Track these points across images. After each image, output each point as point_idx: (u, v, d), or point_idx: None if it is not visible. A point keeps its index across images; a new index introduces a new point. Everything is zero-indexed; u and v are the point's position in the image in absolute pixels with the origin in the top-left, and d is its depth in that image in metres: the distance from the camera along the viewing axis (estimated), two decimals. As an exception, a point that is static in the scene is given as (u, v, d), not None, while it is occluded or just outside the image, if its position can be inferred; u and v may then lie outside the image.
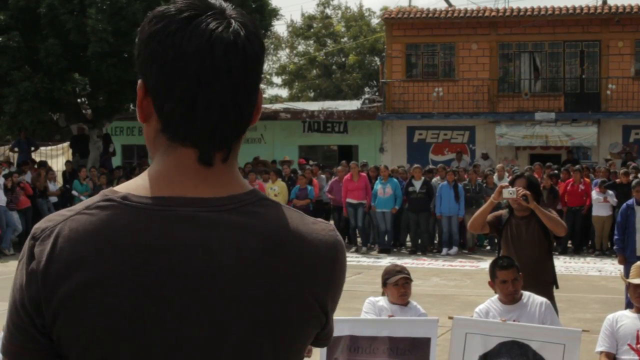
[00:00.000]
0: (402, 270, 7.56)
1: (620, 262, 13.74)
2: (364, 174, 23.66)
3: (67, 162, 29.33)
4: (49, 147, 35.73)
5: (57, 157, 34.30)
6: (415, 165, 24.05)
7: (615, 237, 13.88)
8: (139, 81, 1.97)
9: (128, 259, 1.84)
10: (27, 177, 25.55)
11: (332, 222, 25.14)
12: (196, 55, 1.89)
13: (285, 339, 1.94)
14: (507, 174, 24.42)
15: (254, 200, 1.96)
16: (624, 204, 14.04)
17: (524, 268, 7.88)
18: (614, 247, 15.08)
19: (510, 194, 8.36)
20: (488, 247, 23.56)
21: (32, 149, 31.30)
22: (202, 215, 1.88)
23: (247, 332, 1.88)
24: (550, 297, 8.25)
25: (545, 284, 8.51)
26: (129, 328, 1.83)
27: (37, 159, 30.23)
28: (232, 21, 1.94)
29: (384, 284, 7.54)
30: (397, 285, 7.41)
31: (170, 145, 1.95)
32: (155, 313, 1.83)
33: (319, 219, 2.07)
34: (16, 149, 31.01)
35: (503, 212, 8.87)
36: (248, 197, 1.96)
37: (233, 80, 1.91)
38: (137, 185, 1.95)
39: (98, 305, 1.82)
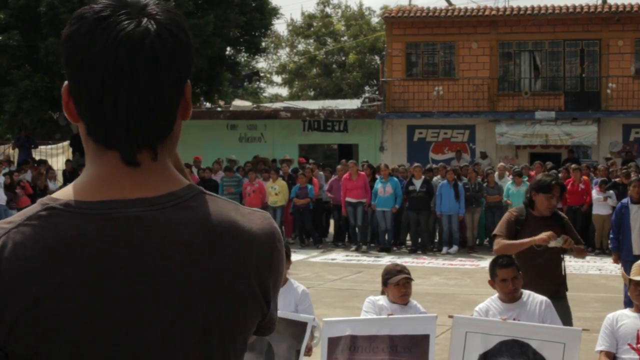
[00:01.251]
0: (402, 269, 7.56)
1: (614, 261, 13.75)
2: (362, 173, 23.64)
3: (67, 161, 29.36)
4: (49, 146, 35.75)
5: (57, 156, 34.32)
6: (416, 164, 24.03)
7: (610, 235, 13.89)
8: (65, 83, 1.98)
9: (79, 266, 1.84)
10: (28, 176, 25.55)
11: (332, 221, 25.18)
12: (101, 56, 1.89)
13: (231, 330, 1.96)
14: (507, 173, 24.44)
15: (191, 195, 1.97)
16: (619, 203, 14.06)
17: (544, 269, 7.99)
18: (609, 246, 15.08)
19: (558, 242, 8.28)
20: (487, 243, 23.57)
21: (32, 147, 31.33)
22: (145, 215, 1.89)
23: (197, 328, 1.90)
24: (564, 297, 8.36)
25: (562, 284, 8.54)
26: (88, 334, 1.83)
27: (37, 158, 30.24)
28: (145, 19, 1.91)
29: (385, 283, 7.53)
30: (398, 285, 7.41)
31: (98, 148, 1.95)
32: (113, 316, 1.85)
33: (255, 209, 2.09)
34: (16, 148, 31.04)
35: (516, 213, 8.78)
36: (186, 193, 1.96)
37: (139, 80, 1.89)
38: (76, 191, 1.93)
39: (54, 315, 1.82)
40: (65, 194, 1.94)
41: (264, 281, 2.01)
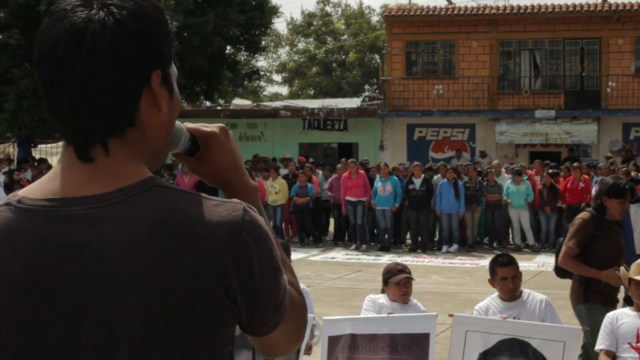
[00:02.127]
0: (403, 269, 7.55)
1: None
2: (362, 171, 23.62)
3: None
4: (49, 145, 35.76)
5: (57, 155, 34.29)
6: (415, 163, 24.05)
7: None
8: None
9: (20, 262, 1.86)
10: (28, 174, 25.56)
11: (332, 219, 25.17)
12: (48, 52, 1.90)
13: (188, 331, 1.85)
14: (504, 171, 24.44)
15: (142, 189, 1.89)
16: None
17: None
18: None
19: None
20: (486, 241, 23.59)
21: (32, 146, 31.33)
22: (88, 213, 1.86)
23: (140, 328, 1.84)
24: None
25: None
26: (27, 331, 1.85)
27: (37, 157, 30.24)
28: (99, 10, 1.90)
29: (385, 282, 7.52)
30: (399, 284, 7.40)
31: (65, 144, 1.97)
32: (51, 315, 1.85)
33: (230, 200, 1.94)
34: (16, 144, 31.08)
35: (590, 218, 8.35)
36: (137, 188, 1.89)
37: (79, 74, 1.87)
38: (34, 188, 1.95)
39: None
40: (27, 189, 1.96)
41: (225, 277, 1.85)
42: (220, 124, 2.20)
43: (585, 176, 23.05)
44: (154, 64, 1.92)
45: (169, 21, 1.98)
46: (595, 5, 34.44)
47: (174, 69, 2.02)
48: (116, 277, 1.83)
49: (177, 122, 2.11)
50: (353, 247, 23.41)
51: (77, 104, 1.88)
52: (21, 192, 1.96)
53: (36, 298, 1.85)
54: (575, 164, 24.81)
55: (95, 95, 1.87)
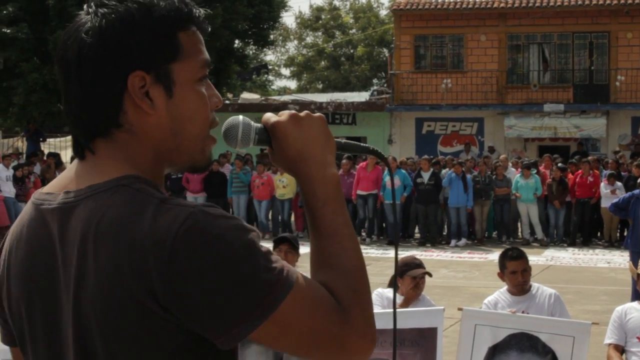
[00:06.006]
0: (421, 264, 7.47)
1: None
2: (378, 166, 23.49)
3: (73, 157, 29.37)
4: (58, 139, 35.82)
5: (65, 149, 34.36)
6: (424, 157, 24.04)
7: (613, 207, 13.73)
8: None
9: (19, 253, 2.00)
10: (36, 168, 25.59)
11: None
12: (55, 56, 2.02)
13: (119, 340, 1.83)
14: (510, 165, 24.44)
15: (106, 188, 1.88)
16: (630, 193, 13.96)
17: None
18: (608, 208, 14.84)
19: None
20: (495, 235, 23.58)
21: (41, 140, 31.38)
22: (63, 207, 1.93)
23: (77, 330, 1.87)
24: None
25: None
26: (23, 314, 2.01)
27: (46, 151, 30.29)
28: (84, 18, 1.96)
29: (401, 274, 7.42)
30: (416, 279, 7.30)
31: None
32: (37, 301, 1.97)
33: (185, 205, 1.84)
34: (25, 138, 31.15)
35: None
36: (104, 186, 1.89)
37: (66, 79, 1.97)
38: (51, 182, 2.07)
39: (7, 290, 2.05)
40: (50, 183, 2.07)
41: (151, 286, 1.78)
42: (292, 112, 2.12)
43: (595, 170, 23.01)
44: (132, 66, 1.92)
45: (169, 18, 1.96)
46: (604, -1, 34.38)
47: (188, 65, 1.99)
48: (71, 273, 1.88)
49: (237, 118, 2.11)
50: (358, 239, 23.38)
51: (68, 107, 1.98)
52: (44, 187, 2.06)
53: (26, 282, 1.98)
54: (586, 158, 24.74)
55: (74, 99, 1.95)
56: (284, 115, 2.11)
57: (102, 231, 1.83)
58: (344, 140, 2.27)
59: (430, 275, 7.46)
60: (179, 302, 1.77)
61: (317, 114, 2.15)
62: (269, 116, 2.13)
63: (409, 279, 7.28)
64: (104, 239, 1.82)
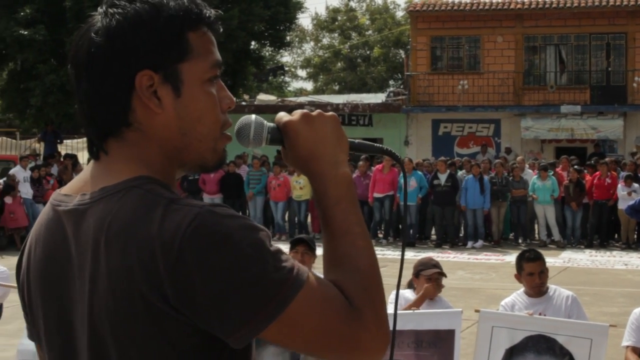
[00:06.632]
0: (437, 264, 7.47)
1: None
2: (394, 168, 23.47)
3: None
4: (75, 140, 35.92)
5: (83, 150, 34.43)
6: (440, 158, 24.01)
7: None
8: None
9: (37, 253, 2.03)
10: (54, 169, 25.69)
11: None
12: (69, 55, 2.04)
13: (132, 342, 1.84)
14: (527, 166, 24.38)
15: (117, 190, 1.90)
16: None
17: None
18: (624, 210, 14.65)
19: None
20: (512, 237, 23.52)
21: (58, 142, 31.48)
22: (78, 209, 1.94)
23: (91, 331, 1.88)
24: None
25: None
26: (41, 322, 2.04)
27: (63, 152, 30.39)
28: (95, 19, 1.99)
29: (417, 275, 7.44)
30: (431, 279, 7.31)
31: None
32: (51, 305, 2.00)
33: (193, 205, 1.84)
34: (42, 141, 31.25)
35: None
36: (115, 187, 1.90)
37: (78, 76, 1.99)
38: (68, 184, 2.09)
39: (27, 287, 2.09)
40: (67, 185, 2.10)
41: (161, 286, 1.79)
42: (304, 111, 2.13)
43: (613, 172, 22.94)
44: (140, 65, 1.93)
45: (177, 18, 1.96)
46: (621, 0, 34.23)
47: (197, 65, 1.99)
48: (86, 274, 1.89)
49: (249, 117, 2.11)
50: (374, 241, 23.36)
51: (82, 107, 2.00)
52: (62, 188, 2.09)
53: (42, 281, 2.02)
54: (605, 159, 24.64)
55: (84, 100, 1.98)
56: (296, 114, 2.11)
57: (113, 233, 1.84)
58: (357, 141, 2.27)
59: (444, 275, 7.47)
60: (188, 302, 1.78)
61: (330, 113, 2.15)
62: (282, 115, 2.13)
63: (424, 279, 7.30)
64: (115, 241, 1.83)
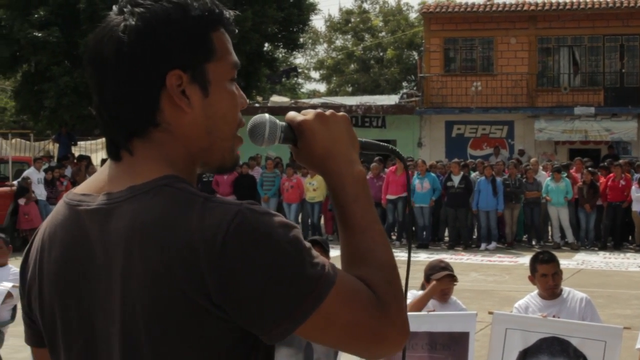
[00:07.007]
0: (447, 267, 7.45)
1: None
2: (409, 170, 23.43)
3: (104, 160, 29.54)
4: (89, 142, 36.00)
5: (96, 152, 34.54)
6: (454, 160, 23.99)
7: None
8: None
9: (53, 253, 2.01)
10: (67, 171, 25.76)
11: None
12: (85, 58, 2.03)
13: (167, 340, 1.85)
14: (541, 168, 24.34)
15: (147, 189, 1.90)
16: None
17: None
18: (639, 212, 14.65)
19: None
20: (525, 239, 23.48)
21: (72, 144, 31.55)
22: (103, 209, 1.93)
23: (120, 327, 1.89)
24: None
25: None
26: (56, 323, 2.02)
27: (77, 154, 30.47)
28: (116, 19, 1.98)
29: (427, 279, 7.44)
30: (441, 282, 7.29)
31: None
32: (72, 299, 1.98)
33: (231, 203, 1.87)
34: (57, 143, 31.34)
35: None
36: (145, 187, 1.91)
37: (97, 81, 1.99)
38: (83, 184, 2.08)
39: (39, 290, 2.06)
40: (80, 185, 2.08)
41: (203, 284, 1.79)
42: (317, 110, 2.15)
43: (627, 174, 22.88)
44: (170, 65, 1.94)
45: (203, 18, 1.98)
46: (636, 2, 34.15)
47: (221, 65, 2.01)
48: (114, 272, 1.89)
49: (263, 116, 2.12)
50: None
51: (99, 108, 1.99)
52: (76, 188, 2.07)
53: (60, 282, 1.99)
54: (619, 161, 24.58)
55: (110, 100, 1.96)
56: (310, 114, 2.14)
57: (148, 232, 1.84)
58: (364, 139, 2.28)
59: (454, 277, 7.43)
60: (230, 298, 1.80)
61: (341, 113, 2.17)
62: (294, 115, 2.15)
63: (434, 282, 7.29)
64: (151, 239, 1.83)
